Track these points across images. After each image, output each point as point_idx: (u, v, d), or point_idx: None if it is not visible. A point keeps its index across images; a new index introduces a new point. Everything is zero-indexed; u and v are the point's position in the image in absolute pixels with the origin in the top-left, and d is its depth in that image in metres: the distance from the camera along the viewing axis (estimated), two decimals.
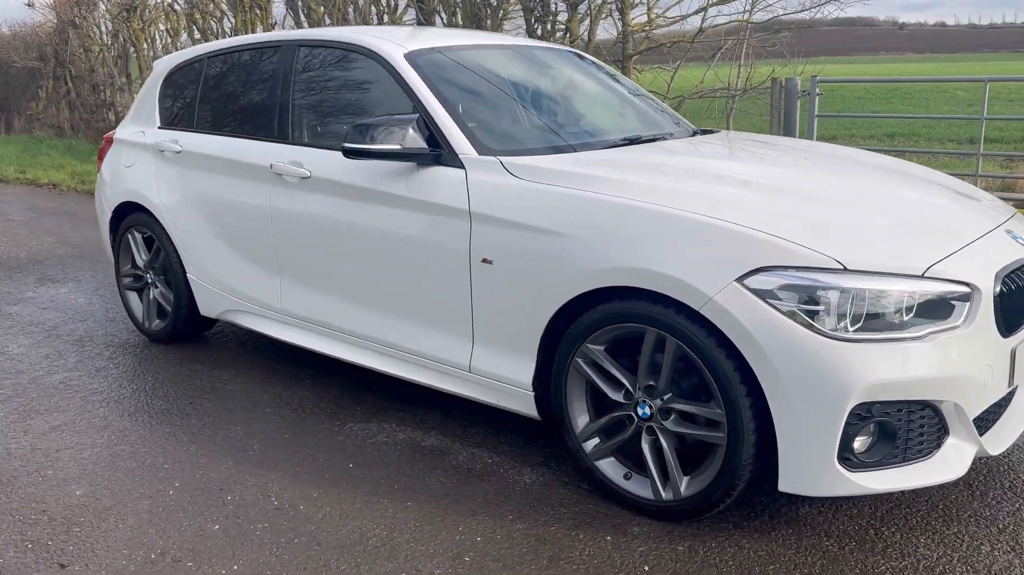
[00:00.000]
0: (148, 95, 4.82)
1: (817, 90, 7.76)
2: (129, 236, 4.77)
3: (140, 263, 4.78)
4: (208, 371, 4.32)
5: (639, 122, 3.98)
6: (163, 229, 4.51)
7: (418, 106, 3.39)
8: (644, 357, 2.73)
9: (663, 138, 3.73)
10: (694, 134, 3.96)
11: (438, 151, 3.26)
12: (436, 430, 3.55)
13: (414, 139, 3.23)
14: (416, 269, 3.30)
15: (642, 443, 2.80)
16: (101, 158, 5.06)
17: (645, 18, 9.55)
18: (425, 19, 10.96)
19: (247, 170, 3.99)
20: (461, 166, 3.19)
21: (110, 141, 4.99)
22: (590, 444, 2.94)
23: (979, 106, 7.35)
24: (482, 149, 3.22)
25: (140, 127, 4.77)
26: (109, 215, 4.85)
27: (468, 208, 3.09)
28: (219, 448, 3.44)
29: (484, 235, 3.05)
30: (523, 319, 3.00)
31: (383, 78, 3.63)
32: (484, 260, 3.05)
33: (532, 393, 3.06)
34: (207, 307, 4.43)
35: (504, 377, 3.13)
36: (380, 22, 11.81)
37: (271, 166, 3.82)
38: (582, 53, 4.59)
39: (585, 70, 4.29)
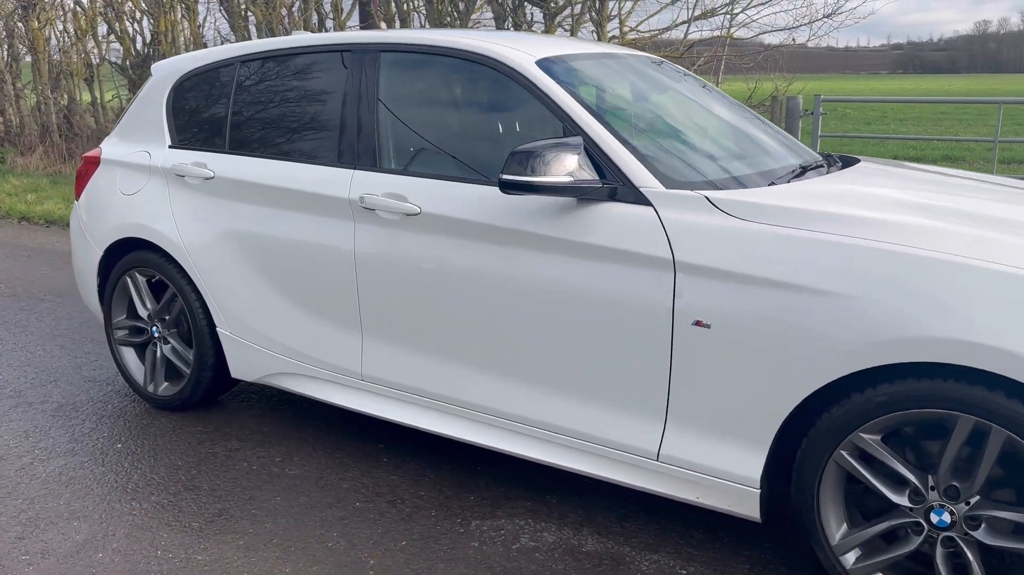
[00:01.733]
0: (150, 107, 3.91)
1: (821, 109, 7.47)
2: (128, 280, 3.86)
3: (143, 313, 3.87)
4: (252, 450, 3.47)
5: (779, 145, 3.41)
6: (182, 272, 3.63)
7: (570, 127, 2.72)
8: (950, 451, 2.15)
9: (821, 166, 3.18)
10: (827, 160, 3.42)
11: (611, 184, 2.60)
12: (587, 527, 2.87)
13: (584, 169, 2.57)
14: (583, 331, 2.63)
15: (936, 559, 2.22)
16: (81, 184, 4.11)
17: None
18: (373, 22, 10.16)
19: (318, 203, 3.19)
20: (646, 202, 2.55)
21: (94, 162, 4.05)
22: (850, 558, 2.34)
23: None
24: (668, 181, 2.59)
25: (140, 146, 3.87)
26: (98, 254, 3.91)
27: (671, 256, 2.45)
28: (323, 566, 2.65)
29: (696, 291, 2.42)
30: (755, 399, 2.37)
31: (506, 91, 2.95)
32: (697, 323, 2.41)
33: (758, 490, 2.44)
34: (243, 368, 3.58)
35: (713, 469, 2.49)
36: (322, 27, 10.91)
37: (361, 199, 3.05)
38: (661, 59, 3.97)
39: (687, 80, 3.69)
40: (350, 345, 3.22)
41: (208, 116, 3.72)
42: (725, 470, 2.47)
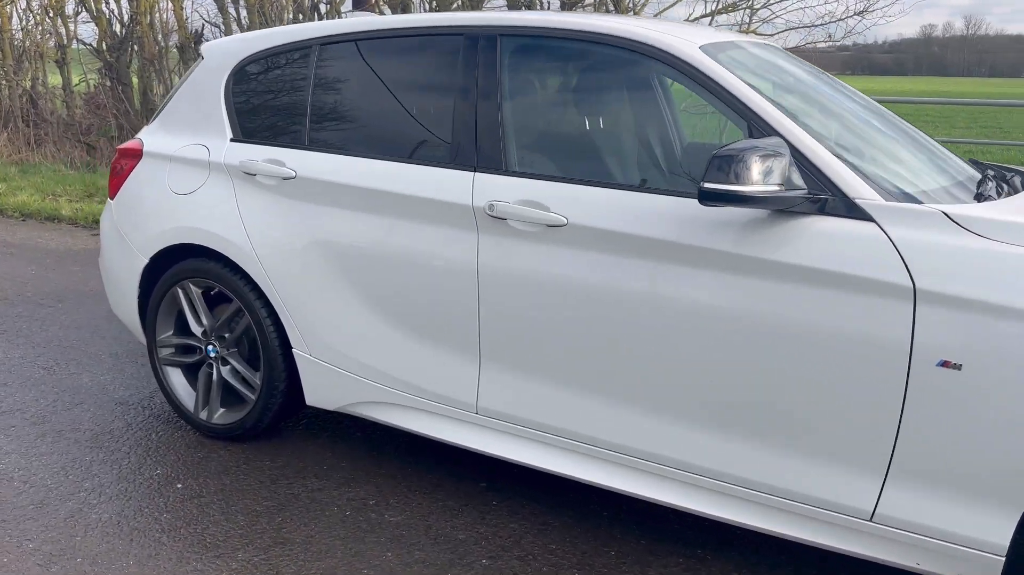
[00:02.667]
0: (203, 94, 3.42)
1: None
2: (179, 292, 3.36)
3: (196, 330, 3.37)
4: (338, 491, 3.02)
5: (938, 151, 3.05)
6: (251, 285, 3.16)
7: (759, 127, 2.33)
8: None
9: (996, 176, 2.81)
10: (981, 168, 3.08)
11: (819, 194, 2.22)
12: None
13: (792, 177, 2.18)
14: (781, 367, 2.24)
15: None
16: (116, 180, 3.59)
17: None
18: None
19: (429, 210, 2.75)
20: (864, 217, 2.17)
21: (132, 156, 3.54)
22: None
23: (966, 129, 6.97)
24: (885, 193, 2.22)
25: (193, 139, 3.37)
26: (142, 262, 3.40)
27: (910, 282, 2.07)
28: None
29: (943, 325, 2.05)
30: (1012, 453, 2.02)
31: (660, 84, 2.55)
32: (944, 364, 2.05)
33: (1002, 559, 2.08)
34: (323, 394, 3.12)
35: (944, 532, 2.13)
36: (315, 12, 10.34)
37: (489, 206, 2.62)
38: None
39: (823, 75, 3.31)
40: (464, 374, 2.79)
41: (281, 106, 3.24)
42: (962, 534, 2.11)
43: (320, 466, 3.20)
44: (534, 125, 2.74)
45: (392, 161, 2.89)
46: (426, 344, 2.84)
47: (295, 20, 10.00)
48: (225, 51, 3.42)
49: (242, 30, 9.93)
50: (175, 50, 10.75)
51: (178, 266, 3.34)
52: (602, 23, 2.66)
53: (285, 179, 3.06)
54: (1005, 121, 20.93)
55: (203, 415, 3.41)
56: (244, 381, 3.32)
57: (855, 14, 7.97)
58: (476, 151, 2.73)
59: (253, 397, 3.28)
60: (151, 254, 3.36)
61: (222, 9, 10.04)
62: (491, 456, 2.80)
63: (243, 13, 9.78)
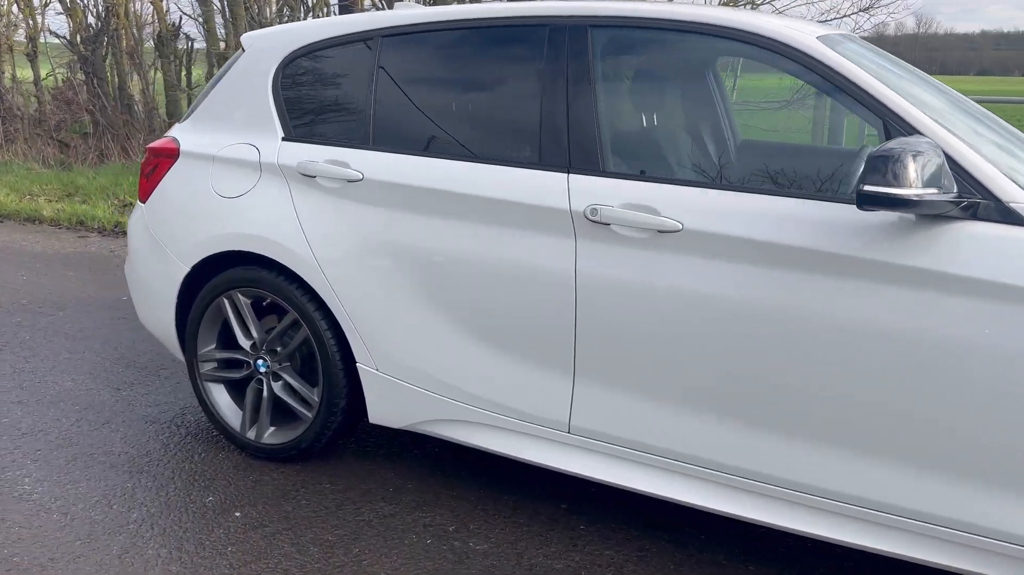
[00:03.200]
0: (247, 89, 3.17)
1: None
2: (225, 303, 3.11)
3: (244, 343, 3.13)
4: (412, 515, 2.80)
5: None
6: (310, 295, 2.93)
7: (897, 126, 2.18)
8: None
9: None
10: None
11: (971, 199, 2.07)
12: None
13: (944, 180, 2.03)
14: (947, 389, 2.08)
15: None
16: (149, 182, 3.33)
17: None
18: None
19: (518, 215, 2.56)
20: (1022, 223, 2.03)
21: (167, 156, 3.28)
22: None
23: None
24: None
25: (237, 137, 3.12)
26: (182, 271, 3.15)
27: None
28: None
29: None
30: None
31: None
32: None
33: None
34: (391, 412, 2.91)
35: None
36: None
37: (590, 210, 2.43)
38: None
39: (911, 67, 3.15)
40: (556, 390, 2.59)
41: (340, 103, 3.01)
42: None
43: (385, 488, 2.99)
44: (632, 123, 2.56)
45: (471, 162, 2.68)
46: (513, 359, 2.65)
47: (280, 12, 9.68)
48: (271, 43, 3.18)
49: (224, 22, 9.59)
50: (152, 43, 10.35)
51: (225, 275, 3.09)
52: (700, 12, 2.48)
53: (350, 182, 2.83)
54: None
55: (251, 434, 3.17)
56: (299, 398, 3.09)
57: (860, 10, 7.91)
58: (568, 151, 2.54)
59: (310, 415, 3.05)
60: (194, 262, 3.11)
61: (203, 1, 9.67)
62: (585, 478, 2.61)
63: (225, 4, 9.41)
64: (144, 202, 3.33)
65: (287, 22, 9.66)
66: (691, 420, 2.41)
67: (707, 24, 2.44)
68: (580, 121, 2.53)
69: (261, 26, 9.26)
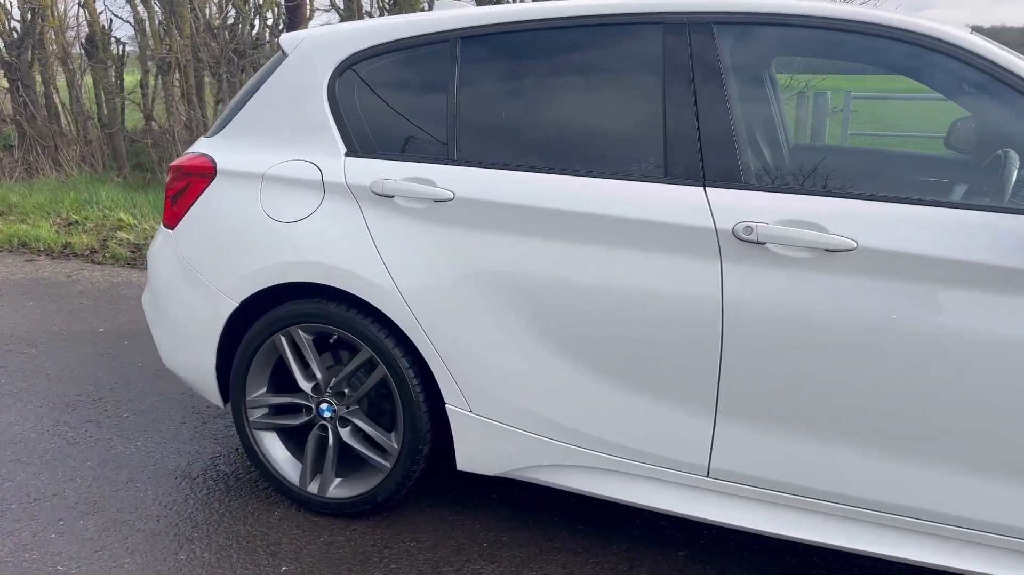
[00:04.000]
0: (295, 98, 2.79)
1: (851, 107, 7.09)
2: (283, 341, 2.74)
3: (305, 385, 2.76)
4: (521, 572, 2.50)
5: None
6: (389, 329, 2.59)
7: None
8: None
9: None
10: None
11: None
12: None
13: None
14: None
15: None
16: (178, 205, 2.91)
17: None
18: None
19: (653, 235, 2.27)
20: None
21: (201, 175, 2.87)
22: None
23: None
24: None
25: (292, 153, 2.75)
26: (229, 307, 2.75)
27: None
28: None
29: None
30: None
31: (940, 79, 2.18)
32: None
33: None
34: (485, 458, 2.59)
35: None
36: None
37: (746, 229, 2.17)
38: None
39: None
40: (693, 430, 2.33)
41: (412, 113, 2.67)
42: None
43: (478, 543, 2.67)
44: (773, 131, 2.31)
45: (580, 177, 2.40)
46: (640, 396, 2.37)
47: (221, 10, 9.11)
48: (322, 46, 2.82)
49: (164, 22, 8.97)
50: (80, 47, 9.63)
51: (283, 309, 2.72)
52: (846, 9, 2.25)
53: (438, 202, 2.50)
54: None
55: (313, 488, 2.80)
56: (373, 445, 2.74)
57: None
58: (701, 162, 2.28)
59: (387, 464, 2.70)
60: (244, 297, 2.73)
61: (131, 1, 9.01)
62: (726, 526, 2.35)
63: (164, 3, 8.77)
64: (172, 228, 2.92)
65: (233, 24, 9.11)
66: (853, 457, 2.18)
67: (860, 22, 2.21)
68: (714, 129, 2.27)
69: (209, 28, 8.70)
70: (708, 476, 2.35)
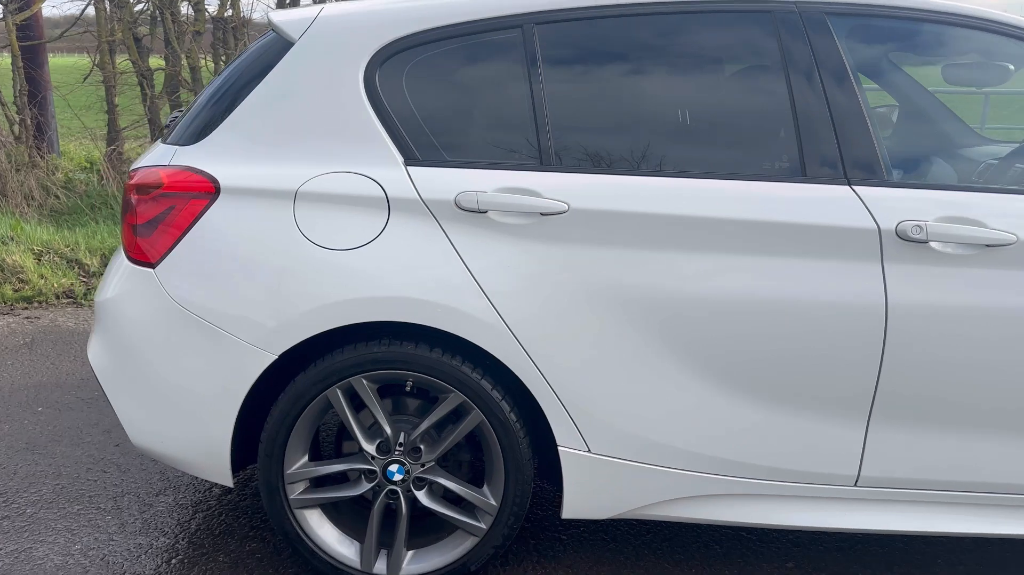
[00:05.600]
0: (321, 94, 2.25)
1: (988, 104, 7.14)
2: (338, 394, 2.22)
3: (366, 446, 2.26)
4: None
5: None
6: (484, 366, 2.20)
7: None
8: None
9: None
10: None
11: None
12: None
13: None
14: None
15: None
16: (161, 236, 2.24)
17: None
18: None
19: (806, 239, 2.11)
20: None
21: (193, 192, 2.23)
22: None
23: None
24: None
25: (329, 163, 2.20)
26: (264, 361, 2.17)
27: None
28: None
29: None
30: None
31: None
32: None
33: None
34: (599, 500, 2.29)
35: None
36: None
37: (915, 227, 2.08)
38: None
39: None
40: (843, 440, 2.22)
41: (485, 112, 2.28)
42: None
43: None
44: (906, 125, 2.25)
45: (712, 179, 2.18)
46: (784, 412, 2.21)
47: None
48: (348, 29, 2.30)
49: None
50: None
51: (342, 357, 2.19)
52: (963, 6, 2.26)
53: (546, 215, 2.15)
54: None
55: (381, 568, 2.32)
56: (461, 506, 2.32)
57: None
58: (841, 159, 2.16)
59: (482, 525, 2.30)
60: (289, 346, 2.16)
61: None
62: (870, 533, 2.29)
63: None
64: (152, 264, 2.24)
65: None
66: (1006, 446, 2.21)
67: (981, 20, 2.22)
68: (850, 126, 2.16)
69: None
70: (856, 485, 2.26)
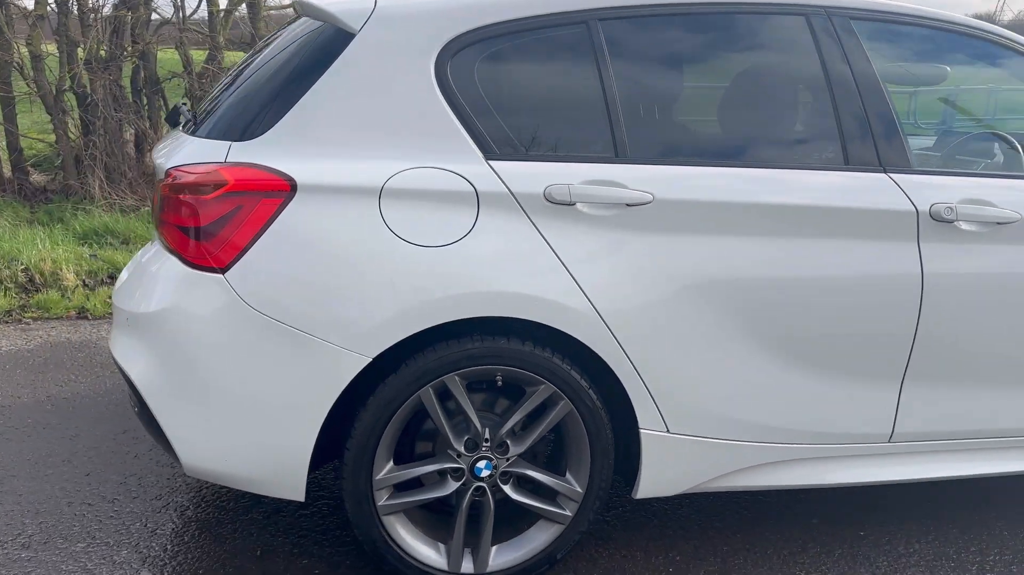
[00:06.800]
0: (391, 87, 2.18)
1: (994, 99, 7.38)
2: (431, 395, 2.17)
3: (455, 444, 2.23)
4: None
5: None
6: (572, 356, 2.23)
7: None
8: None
9: None
10: None
11: None
12: None
13: None
14: None
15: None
16: (226, 238, 2.09)
17: None
18: None
19: (861, 222, 2.35)
20: None
21: (265, 191, 2.09)
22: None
23: None
24: None
25: (402, 159, 2.14)
26: (358, 364, 2.08)
27: None
28: None
29: None
30: None
31: None
32: None
33: None
34: (671, 477, 2.39)
35: None
36: None
37: (948, 209, 2.35)
38: None
39: None
40: (880, 401, 2.47)
41: (554, 104, 2.31)
42: None
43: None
44: (924, 118, 2.53)
45: (776, 169, 2.36)
46: (835, 380, 2.42)
47: None
48: (414, 20, 2.24)
49: None
50: None
51: (436, 355, 2.14)
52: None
53: (632, 206, 2.22)
54: None
55: (468, 567, 2.30)
56: (546, 494, 2.34)
57: None
58: (875, 149, 2.41)
59: (567, 512, 2.34)
60: (386, 346, 2.09)
61: None
62: (904, 482, 2.56)
63: None
64: (223, 269, 2.09)
65: None
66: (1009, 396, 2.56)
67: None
68: (881, 118, 2.42)
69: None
70: (890, 441, 2.52)
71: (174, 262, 2.16)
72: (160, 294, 2.16)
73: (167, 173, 2.19)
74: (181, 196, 2.13)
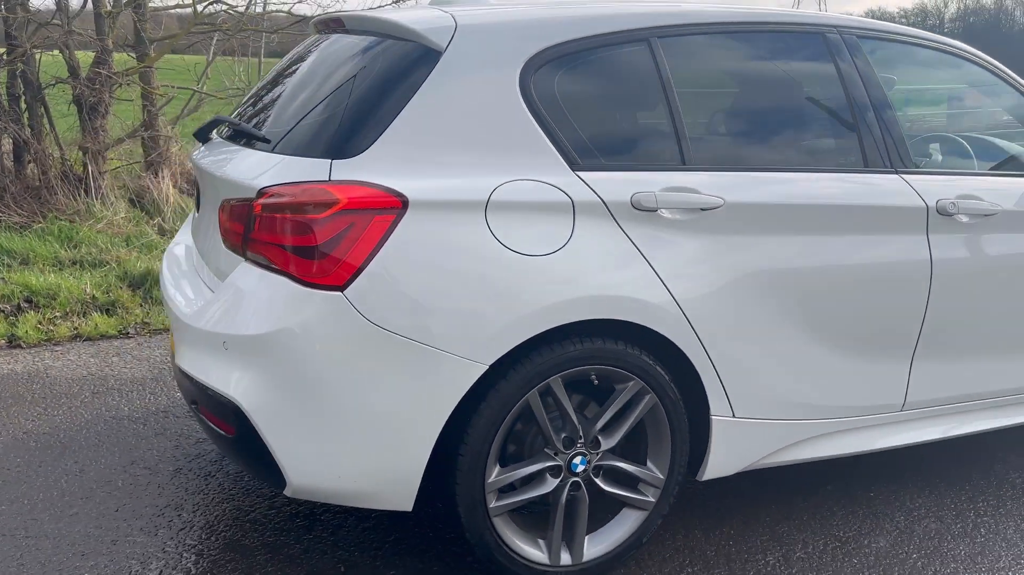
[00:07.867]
0: (481, 103, 2.26)
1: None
2: (537, 398, 2.27)
3: (556, 442, 2.34)
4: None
5: None
6: (656, 353, 2.40)
7: None
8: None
9: None
10: None
11: None
12: None
13: None
14: None
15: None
16: (340, 257, 2.09)
17: None
18: None
19: (885, 219, 2.69)
20: None
21: (378, 208, 2.11)
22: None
23: None
24: None
25: (502, 171, 2.23)
26: (476, 371, 2.15)
27: None
28: None
29: None
30: None
31: None
32: None
33: None
34: (734, 458, 2.60)
35: None
36: None
37: (953, 205, 2.71)
38: None
39: None
40: (895, 375, 2.80)
41: (625, 117, 2.47)
42: None
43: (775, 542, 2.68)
44: (919, 122, 2.87)
45: (813, 172, 2.64)
46: (864, 359, 2.72)
47: None
48: (498, 38, 2.33)
49: None
50: None
51: (542, 359, 2.24)
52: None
53: (705, 210, 2.41)
54: None
55: (567, 559, 2.42)
56: (631, 483, 2.49)
57: None
58: (887, 152, 2.73)
59: (651, 498, 2.50)
60: (501, 354, 2.17)
61: None
62: (918, 444, 2.90)
63: None
64: (342, 287, 2.09)
65: None
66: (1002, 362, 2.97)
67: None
68: (890, 125, 2.74)
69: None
70: (902, 410, 2.86)
71: (281, 281, 2.14)
72: (269, 315, 2.13)
73: (261, 192, 2.17)
74: (286, 215, 2.11)
